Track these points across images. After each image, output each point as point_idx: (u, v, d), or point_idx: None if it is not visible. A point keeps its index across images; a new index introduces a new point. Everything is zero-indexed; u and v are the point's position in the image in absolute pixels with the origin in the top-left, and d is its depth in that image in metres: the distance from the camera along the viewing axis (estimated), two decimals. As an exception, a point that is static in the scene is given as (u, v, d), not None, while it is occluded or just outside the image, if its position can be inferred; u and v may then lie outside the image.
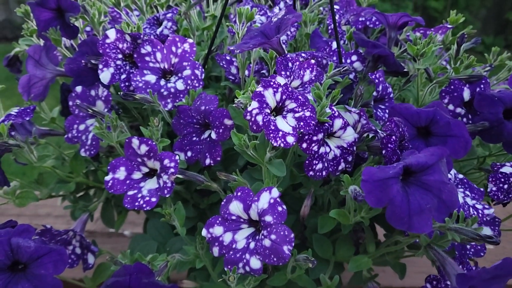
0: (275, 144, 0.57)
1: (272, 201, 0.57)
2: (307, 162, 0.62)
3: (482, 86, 0.77)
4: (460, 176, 0.72)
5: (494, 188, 0.73)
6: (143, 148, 0.65)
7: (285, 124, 0.58)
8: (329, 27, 0.91)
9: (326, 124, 0.61)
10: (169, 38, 0.71)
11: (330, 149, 0.63)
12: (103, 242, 1.16)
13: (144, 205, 0.63)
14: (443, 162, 0.56)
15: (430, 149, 0.57)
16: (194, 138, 0.70)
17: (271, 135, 0.57)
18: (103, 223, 0.88)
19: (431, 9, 6.11)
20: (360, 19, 0.98)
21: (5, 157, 0.79)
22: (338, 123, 0.62)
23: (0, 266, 0.62)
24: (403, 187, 0.54)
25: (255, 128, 0.58)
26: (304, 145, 0.61)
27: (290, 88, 0.60)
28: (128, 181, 0.66)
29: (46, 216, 1.25)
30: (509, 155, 0.80)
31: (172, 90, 0.70)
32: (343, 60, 0.79)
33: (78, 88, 0.75)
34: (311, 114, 0.59)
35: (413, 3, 6.40)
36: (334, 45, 0.80)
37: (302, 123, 0.58)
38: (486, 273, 0.51)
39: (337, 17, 0.93)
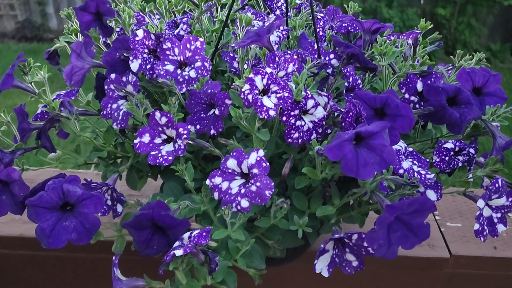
0: (261, 116, 0.77)
1: (258, 158, 0.78)
2: (286, 131, 0.82)
3: (432, 79, 0.96)
4: (410, 149, 0.92)
5: (437, 160, 0.93)
6: (163, 119, 0.85)
7: (269, 101, 0.79)
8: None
9: (301, 103, 0.82)
10: (184, 37, 0.92)
11: (305, 123, 0.84)
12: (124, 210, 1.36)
13: (163, 162, 0.83)
14: (385, 131, 0.76)
15: (376, 122, 0.77)
16: (202, 115, 0.91)
17: (258, 109, 0.77)
18: (128, 185, 1.09)
19: (439, 15, 6.25)
20: (344, 25, 1.19)
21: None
22: (310, 102, 0.83)
23: (54, 206, 0.82)
24: (355, 148, 0.75)
25: (246, 104, 0.78)
26: (284, 118, 0.81)
27: (274, 76, 0.80)
28: (151, 144, 0.86)
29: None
30: (454, 136, 1.00)
31: (186, 77, 0.91)
32: (322, 57, 0.99)
33: (113, 75, 0.96)
34: (289, 95, 0.79)
35: (421, 10, 6.56)
36: (316, 45, 1.00)
37: (281, 101, 0.79)
38: (407, 205, 0.71)
39: (321, 23, 1.13)
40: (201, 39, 0.93)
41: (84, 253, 1.27)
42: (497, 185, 0.83)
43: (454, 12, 6.21)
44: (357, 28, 1.18)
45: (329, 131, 0.89)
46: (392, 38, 1.14)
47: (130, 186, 1.09)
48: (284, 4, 1.21)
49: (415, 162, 0.90)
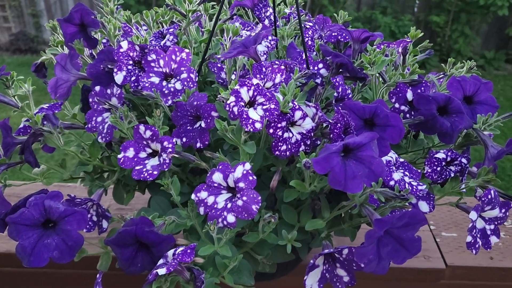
0: (246, 129, 0.75)
1: (245, 172, 0.75)
2: (273, 143, 0.80)
3: (422, 88, 0.95)
4: (401, 160, 0.90)
5: (429, 170, 0.91)
6: (148, 133, 0.83)
7: (255, 114, 0.77)
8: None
9: (288, 115, 0.80)
10: (170, 48, 0.90)
11: (293, 135, 0.82)
12: (113, 225, 1.34)
13: (148, 176, 0.81)
14: (374, 142, 0.74)
15: (364, 133, 0.75)
16: (188, 127, 0.89)
17: (244, 122, 0.76)
18: (115, 200, 1.06)
19: (433, 23, 6.28)
20: (333, 34, 1.17)
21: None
22: (298, 114, 0.81)
23: (35, 223, 0.80)
24: (343, 160, 0.73)
25: (232, 116, 0.76)
26: (271, 130, 0.79)
27: (260, 87, 0.79)
28: (135, 159, 0.84)
29: (64, 202, 1.44)
30: (446, 145, 0.98)
31: (172, 89, 0.89)
32: (311, 67, 0.98)
33: (97, 88, 0.94)
34: (275, 106, 0.77)
35: (415, 17, 6.59)
36: (304, 55, 0.98)
37: (267, 113, 0.77)
38: (397, 219, 0.69)
39: (310, 32, 1.12)
40: (187, 50, 0.91)
41: (72, 269, 1.24)
42: (489, 196, 0.82)
43: (448, 20, 6.24)
44: (346, 37, 1.16)
45: (318, 142, 0.87)
46: (382, 46, 1.13)
47: (117, 201, 1.06)
48: (273, 14, 1.19)
49: (406, 173, 0.88)
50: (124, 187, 1.06)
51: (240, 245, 0.89)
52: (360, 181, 0.71)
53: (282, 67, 0.87)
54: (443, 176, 0.91)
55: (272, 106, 0.78)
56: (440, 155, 0.91)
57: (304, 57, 0.99)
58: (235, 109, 0.76)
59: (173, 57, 0.91)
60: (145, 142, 0.85)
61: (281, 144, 0.81)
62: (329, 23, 1.25)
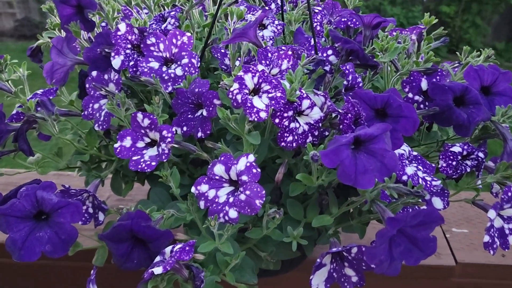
0: (250, 119, 0.70)
1: (248, 164, 0.71)
2: (279, 134, 0.75)
3: (437, 77, 0.89)
4: (415, 153, 0.85)
5: (444, 164, 0.86)
6: (146, 121, 0.78)
7: (259, 102, 0.72)
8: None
9: (295, 103, 0.75)
10: (170, 31, 0.85)
11: (300, 125, 0.76)
12: (112, 217, 1.30)
13: (145, 168, 0.77)
14: (387, 134, 0.69)
15: (377, 124, 0.70)
16: (189, 116, 0.84)
17: (248, 110, 0.70)
18: (113, 191, 1.02)
19: (443, 13, 6.17)
20: (343, 19, 1.11)
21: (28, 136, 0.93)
22: (306, 103, 0.76)
23: (27, 215, 0.76)
24: (353, 153, 0.68)
25: (235, 104, 0.71)
26: (277, 120, 0.74)
27: (266, 74, 0.73)
28: (133, 149, 0.79)
29: (62, 192, 1.39)
30: (462, 138, 0.92)
31: (172, 75, 0.84)
32: (319, 54, 0.92)
33: (94, 73, 0.89)
34: (282, 95, 0.72)
35: (424, 7, 6.48)
36: (313, 40, 0.93)
37: (273, 102, 0.72)
38: (410, 217, 0.64)
39: (319, 17, 1.06)
40: (188, 34, 0.86)
41: (67, 261, 1.20)
42: (509, 193, 0.76)
43: (458, 10, 6.12)
44: (356, 22, 1.10)
45: (326, 133, 0.82)
46: (394, 33, 1.07)
47: (115, 192, 1.02)
48: (280, -2, 1.13)
49: (419, 167, 0.83)
50: (123, 178, 1.01)
51: (242, 241, 0.85)
52: (371, 175, 0.66)
53: (290, 52, 0.81)
54: (458, 171, 0.86)
55: (278, 94, 0.72)
56: (456, 148, 0.85)
57: (312, 43, 0.94)
58: (239, 97, 0.71)
59: (174, 41, 0.85)
60: (143, 131, 0.80)
61: (287, 134, 0.76)
62: (339, 8, 1.19)
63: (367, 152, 0.68)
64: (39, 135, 1.00)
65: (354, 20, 1.10)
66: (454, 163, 0.85)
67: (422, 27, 1.14)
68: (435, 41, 1.10)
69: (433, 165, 0.85)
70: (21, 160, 0.98)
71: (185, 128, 0.84)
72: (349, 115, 0.72)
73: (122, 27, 0.85)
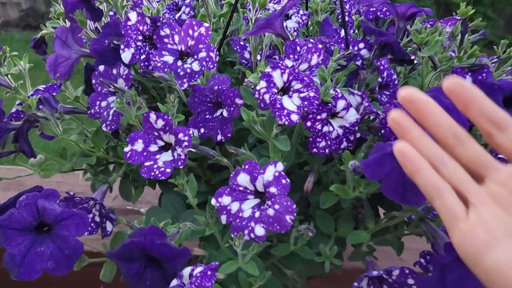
0: (280, 122, 0.62)
1: (276, 174, 0.62)
2: (311, 139, 0.66)
3: (483, 74, 0.80)
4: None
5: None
6: (160, 123, 0.70)
7: (290, 103, 0.63)
8: (339, 16, 0.95)
9: (330, 105, 0.66)
10: (186, 21, 0.76)
11: (333, 128, 0.68)
12: (120, 218, 1.22)
13: (159, 175, 0.68)
14: (437, 141, 0.60)
15: (426, 129, 0.60)
16: (207, 116, 0.75)
17: (277, 113, 0.62)
18: (121, 196, 0.94)
19: (454, 5, 6.02)
20: (371, 9, 1.02)
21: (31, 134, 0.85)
22: (341, 104, 0.67)
23: (26, 227, 0.68)
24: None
25: (262, 105, 0.62)
26: (309, 124, 0.65)
27: (296, 70, 0.64)
28: (145, 153, 0.71)
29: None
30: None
31: (188, 70, 0.75)
32: (350, 47, 0.83)
33: (101, 67, 0.81)
34: (315, 95, 0.63)
35: (435, -2, 6.33)
36: (343, 32, 0.84)
37: (306, 103, 0.63)
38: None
39: (347, 6, 0.97)
40: (206, 24, 0.77)
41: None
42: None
43: (470, 2, 5.98)
44: (387, 13, 1.01)
45: (358, 134, 0.73)
46: (427, 25, 0.97)
47: (124, 197, 0.93)
48: (303, -15, 1.04)
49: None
50: (132, 182, 0.93)
51: (265, 256, 0.76)
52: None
53: (320, 46, 0.72)
54: None
55: (312, 94, 0.63)
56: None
57: (342, 35, 0.85)
58: (267, 96, 0.62)
59: (190, 32, 0.76)
60: (156, 133, 0.72)
61: (320, 140, 0.67)
62: (367, -3, 1.09)
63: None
64: (42, 134, 0.92)
65: (384, 10, 1.00)
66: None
67: (458, 18, 1.05)
68: (473, 34, 1.00)
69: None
70: (22, 162, 0.90)
71: (202, 130, 0.75)
72: (392, 118, 0.63)
73: (133, 16, 0.76)
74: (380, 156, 0.57)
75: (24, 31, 5.96)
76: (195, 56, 0.77)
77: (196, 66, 0.76)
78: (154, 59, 0.75)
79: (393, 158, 0.57)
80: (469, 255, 0.40)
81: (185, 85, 0.76)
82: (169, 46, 0.76)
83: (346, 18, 0.95)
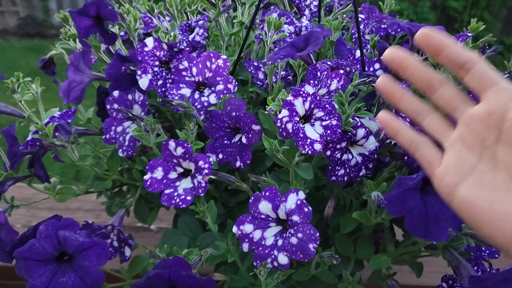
0: (303, 151, 0.62)
1: (299, 202, 0.62)
2: (330, 168, 0.66)
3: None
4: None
5: None
6: (179, 150, 0.70)
7: (313, 131, 0.63)
8: (354, 35, 0.95)
9: (349, 133, 0.66)
10: (204, 53, 0.76)
11: (353, 156, 0.68)
12: (136, 241, 1.21)
13: (180, 203, 0.68)
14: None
15: (449, 156, 0.60)
16: (226, 142, 0.75)
17: (300, 142, 0.62)
18: (136, 218, 0.93)
19: (451, 8, 6.02)
20: (382, 26, 1.02)
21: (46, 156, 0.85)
22: (361, 132, 0.67)
23: (48, 257, 0.67)
24: (422, 197, 0.58)
25: (284, 134, 0.62)
26: (328, 153, 0.65)
27: (318, 97, 0.64)
28: (165, 181, 0.71)
29: (77, 210, 1.31)
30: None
31: (205, 104, 0.75)
32: (366, 68, 0.83)
33: (116, 93, 0.81)
34: (338, 123, 0.63)
35: (432, 2, 6.34)
36: (358, 53, 0.84)
37: (329, 131, 0.63)
38: (497, 276, 0.55)
39: (362, 26, 0.97)
40: (224, 56, 0.77)
41: None
42: None
43: (466, 5, 5.98)
44: (398, 30, 1.01)
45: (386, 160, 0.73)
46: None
47: (139, 219, 0.93)
48: (313, 3, 1.04)
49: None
50: (147, 204, 0.93)
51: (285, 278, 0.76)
52: (445, 225, 0.57)
53: (341, 71, 0.72)
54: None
55: (334, 122, 0.63)
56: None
57: (357, 55, 0.85)
58: (289, 126, 0.62)
59: (208, 64, 0.76)
60: (175, 161, 0.71)
61: (339, 168, 0.67)
62: (376, 13, 1.09)
63: (437, 194, 0.59)
64: (55, 157, 0.92)
65: (396, 27, 1.00)
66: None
67: (469, 34, 1.05)
68: (488, 50, 1.00)
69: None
70: (36, 185, 0.90)
71: (221, 156, 0.75)
72: (414, 145, 0.63)
73: (150, 42, 0.76)
74: (402, 192, 0.57)
75: (22, 39, 5.95)
76: (213, 88, 0.76)
77: (213, 99, 0.75)
78: (171, 92, 0.75)
79: (416, 193, 0.57)
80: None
81: (202, 117, 0.76)
82: (186, 78, 0.76)
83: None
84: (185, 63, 0.75)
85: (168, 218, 1.25)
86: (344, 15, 1.02)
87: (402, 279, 0.99)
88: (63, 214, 1.29)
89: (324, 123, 0.63)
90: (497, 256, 0.76)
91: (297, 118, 0.63)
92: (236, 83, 0.76)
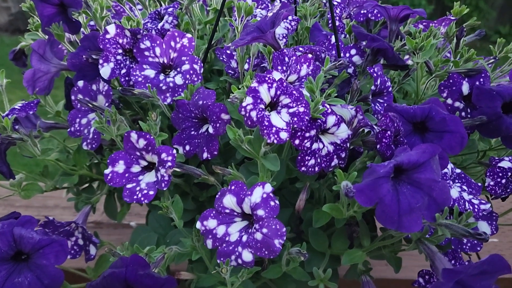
0: (269, 141, 0.58)
1: (264, 195, 0.58)
2: (299, 158, 0.63)
3: (481, 80, 0.76)
4: (458, 170, 0.72)
5: (491, 183, 0.73)
6: (141, 142, 0.66)
7: (279, 119, 0.59)
8: (330, 21, 0.91)
9: (319, 121, 0.62)
10: (168, 33, 0.72)
11: (324, 145, 0.64)
12: (109, 233, 1.18)
13: (142, 198, 0.64)
14: (435, 159, 0.56)
15: (422, 146, 0.57)
16: (193, 132, 0.71)
17: (265, 131, 0.58)
18: (106, 215, 0.90)
19: (446, -1, 5.98)
20: (362, 11, 0.98)
21: (13, 150, 0.81)
22: (331, 120, 0.63)
23: (3, 257, 0.64)
24: (394, 186, 0.55)
25: (249, 123, 0.59)
26: (297, 142, 0.61)
27: (285, 83, 0.61)
28: (127, 174, 0.67)
29: (54, 208, 1.28)
30: (509, 150, 0.80)
31: (171, 84, 0.72)
32: (342, 54, 0.79)
33: (80, 83, 0.77)
34: (305, 110, 0.59)
35: (428, -7, 6.29)
36: (333, 39, 0.80)
37: (295, 119, 0.59)
38: (473, 268, 0.51)
39: (338, 10, 0.93)
40: (189, 35, 0.73)
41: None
42: None
43: (462, -6, 5.95)
44: (378, 15, 0.97)
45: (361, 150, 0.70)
46: (420, 26, 0.94)
47: (109, 216, 0.90)
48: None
49: (464, 187, 0.71)
50: (118, 199, 0.89)
51: (256, 276, 0.73)
52: (418, 215, 0.54)
53: (310, 55, 0.68)
54: (508, 190, 0.73)
55: (301, 109, 0.60)
56: (506, 163, 0.73)
57: (332, 41, 0.81)
58: (254, 113, 0.58)
59: (172, 44, 0.73)
60: (138, 153, 0.68)
61: (309, 157, 0.63)
62: (357, -1, 1.05)
63: (411, 184, 0.55)
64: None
65: (375, 12, 0.96)
66: (503, 181, 0.73)
67: (453, 18, 1.01)
68: (470, 34, 0.97)
69: (479, 184, 0.72)
70: (3, 181, 0.87)
71: (187, 147, 0.71)
72: (388, 132, 0.60)
73: (111, 29, 0.72)
74: (373, 180, 0.54)
75: (13, 35, 5.89)
76: (178, 69, 0.73)
77: (179, 80, 0.72)
78: (134, 73, 0.71)
79: (387, 181, 0.54)
80: None
81: (168, 100, 0.72)
82: (150, 59, 0.72)
83: (337, 23, 0.92)
84: (147, 43, 0.71)
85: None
86: (321, 1, 0.98)
87: (390, 273, 0.95)
88: (40, 212, 1.26)
89: (290, 110, 0.60)
90: (479, 249, 0.72)
91: (262, 106, 0.59)
92: (202, 64, 0.72)
